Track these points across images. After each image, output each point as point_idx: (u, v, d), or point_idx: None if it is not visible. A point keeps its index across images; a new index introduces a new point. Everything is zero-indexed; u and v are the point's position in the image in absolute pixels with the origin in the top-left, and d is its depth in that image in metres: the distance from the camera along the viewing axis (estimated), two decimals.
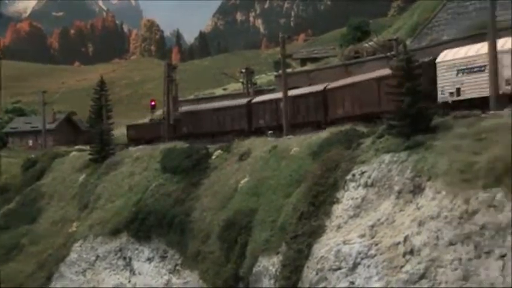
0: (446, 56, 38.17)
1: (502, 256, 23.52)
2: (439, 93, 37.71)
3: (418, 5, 72.17)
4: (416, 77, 31.73)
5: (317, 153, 37.75)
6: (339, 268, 29.49)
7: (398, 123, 31.38)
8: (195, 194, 46.48)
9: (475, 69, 35.89)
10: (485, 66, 34.90)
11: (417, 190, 28.20)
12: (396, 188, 29.30)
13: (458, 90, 36.78)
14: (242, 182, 42.66)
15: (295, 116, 52.63)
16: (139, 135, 71.57)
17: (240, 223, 38.71)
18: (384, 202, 29.67)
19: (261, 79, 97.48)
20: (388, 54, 51.29)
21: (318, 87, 52.72)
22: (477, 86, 35.76)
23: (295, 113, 52.78)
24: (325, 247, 30.71)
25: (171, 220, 45.55)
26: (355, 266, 28.85)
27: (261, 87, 79.85)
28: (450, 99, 37.11)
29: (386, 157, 30.99)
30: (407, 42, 56.58)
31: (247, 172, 43.42)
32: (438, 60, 38.36)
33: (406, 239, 27.01)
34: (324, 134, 40.27)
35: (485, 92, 34.54)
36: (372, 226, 29.06)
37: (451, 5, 55.37)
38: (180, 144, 53.99)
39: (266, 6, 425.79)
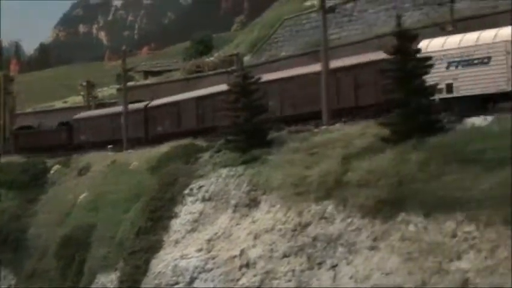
0: (430, 46, 31.74)
1: (333, 266, 24.29)
2: None
3: (258, 21, 73.56)
4: (252, 92, 32.33)
5: (156, 168, 37.77)
6: (176, 283, 29.50)
7: (235, 137, 31.90)
8: (32, 210, 45.31)
9: (475, 62, 30.23)
10: (489, 58, 29.58)
11: (253, 204, 28.74)
12: (233, 201, 29.75)
13: (449, 86, 30.97)
14: (81, 197, 41.98)
15: (199, 121, 46.96)
16: (30, 144, 64.52)
17: (78, 239, 37.98)
18: (221, 216, 30.01)
19: (104, 92, 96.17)
20: (229, 69, 52.10)
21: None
22: (478, 82, 30.07)
23: (199, 117, 47.10)
24: (162, 262, 30.67)
25: (5, 238, 44.07)
26: (192, 280, 28.96)
27: (102, 101, 78.89)
28: (437, 96, 30.43)
29: (224, 171, 31.44)
30: (248, 58, 57.68)
31: (86, 187, 42.79)
32: None
33: (242, 252, 27.41)
34: (163, 149, 40.32)
35: (491, 88, 29.31)
36: (209, 240, 29.31)
37: (288, 23, 56.81)
38: (17, 158, 52.42)
39: (109, 18, 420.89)
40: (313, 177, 26.46)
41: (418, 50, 26.88)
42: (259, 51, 59.10)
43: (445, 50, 30.69)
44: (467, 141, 24.13)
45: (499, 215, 20.34)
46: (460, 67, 29.87)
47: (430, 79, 29.65)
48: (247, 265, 27.04)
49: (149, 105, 53.39)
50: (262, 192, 28.53)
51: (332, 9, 37.76)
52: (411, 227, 22.40)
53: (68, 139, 60.88)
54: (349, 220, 24.42)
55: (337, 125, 32.05)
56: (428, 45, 31.27)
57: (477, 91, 29.61)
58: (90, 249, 36.89)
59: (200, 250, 29.33)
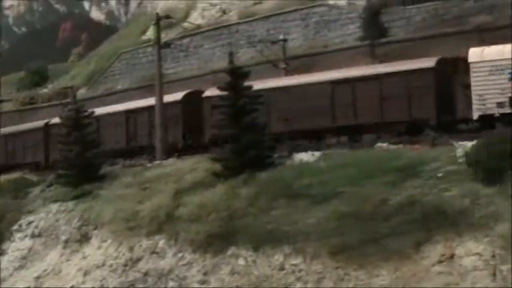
0: (485, 54, 28.33)
1: None
2: (474, 103, 28.08)
3: (95, 53, 72.69)
4: (85, 126, 31.98)
5: None
6: None
7: (66, 172, 31.42)
8: None
9: None
10: None
11: (84, 239, 28.40)
12: (63, 237, 29.24)
13: None
14: None
15: (129, 139, 37.95)
16: None
17: None
18: (50, 252, 29.37)
19: None
20: (64, 101, 51.11)
21: (177, 96, 37.02)
22: None
23: (130, 134, 38.10)
24: None
25: None
26: None
27: None
28: (498, 111, 27.52)
29: (54, 206, 30.96)
30: (83, 90, 56.84)
31: None
32: (472, 59, 28.35)
33: None
34: None
35: None
36: (38, 277, 28.60)
37: (125, 56, 56.45)
38: None
39: None
40: (145, 212, 26.53)
41: (249, 87, 27.46)
42: (95, 83, 58.28)
43: (506, 59, 27.27)
44: (295, 177, 24.94)
45: (325, 247, 21.16)
46: None
47: (487, 91, 27.36)
48: None
49: (51, 122, 42.80)
50: (94, 228, 28.29)
51: (167, 45, 38.08)
52: (241, 261, 22.84)
53: None
54: (180, 255, 24.60)
55: (170, 160, 32.09)
56: (482, 54, 28.16)
57: None
58: None
59: None
